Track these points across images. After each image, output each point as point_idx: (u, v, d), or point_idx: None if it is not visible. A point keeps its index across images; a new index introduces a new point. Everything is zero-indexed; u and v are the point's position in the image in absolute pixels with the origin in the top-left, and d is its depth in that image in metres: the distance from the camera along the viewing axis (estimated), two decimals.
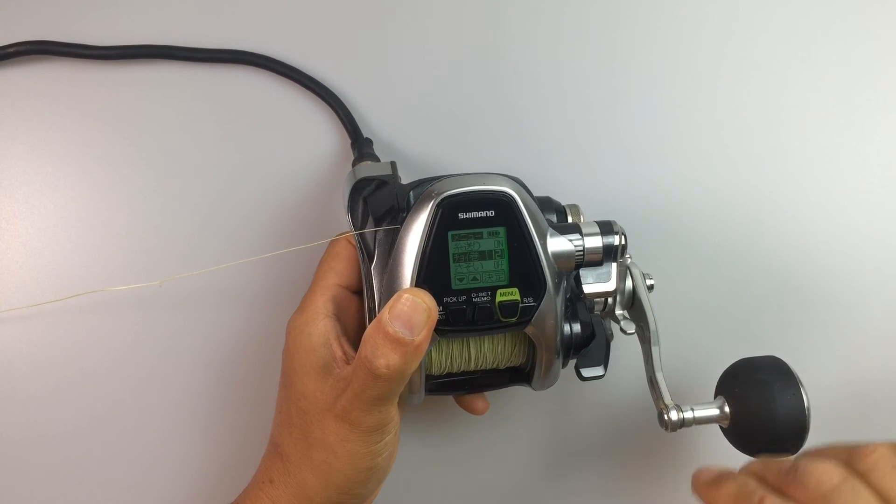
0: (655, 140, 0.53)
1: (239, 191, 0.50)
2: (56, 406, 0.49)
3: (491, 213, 0.39)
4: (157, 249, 0.49)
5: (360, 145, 0.48)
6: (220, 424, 0.50)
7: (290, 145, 0.51)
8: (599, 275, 0.42)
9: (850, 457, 0.35)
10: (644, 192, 0.52)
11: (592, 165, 0.52)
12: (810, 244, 0.54)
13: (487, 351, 0.42)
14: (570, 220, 0.44)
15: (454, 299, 0.39)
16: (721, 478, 0.38)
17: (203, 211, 0.50)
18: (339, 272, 0.42)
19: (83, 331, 0.49)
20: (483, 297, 0.39)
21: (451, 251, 0.39)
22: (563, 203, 0.44)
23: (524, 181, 0.42)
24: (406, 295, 0.37)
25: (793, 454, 0.41)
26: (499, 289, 0.39)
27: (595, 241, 0.41)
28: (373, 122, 0.51)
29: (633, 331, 0.44)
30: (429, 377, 0.43)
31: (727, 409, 0.41)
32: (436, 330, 0.38)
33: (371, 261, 0.40)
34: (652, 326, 0.43)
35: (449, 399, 0.48)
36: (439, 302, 0.38)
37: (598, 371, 0.43)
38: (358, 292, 0.43)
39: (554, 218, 0.43)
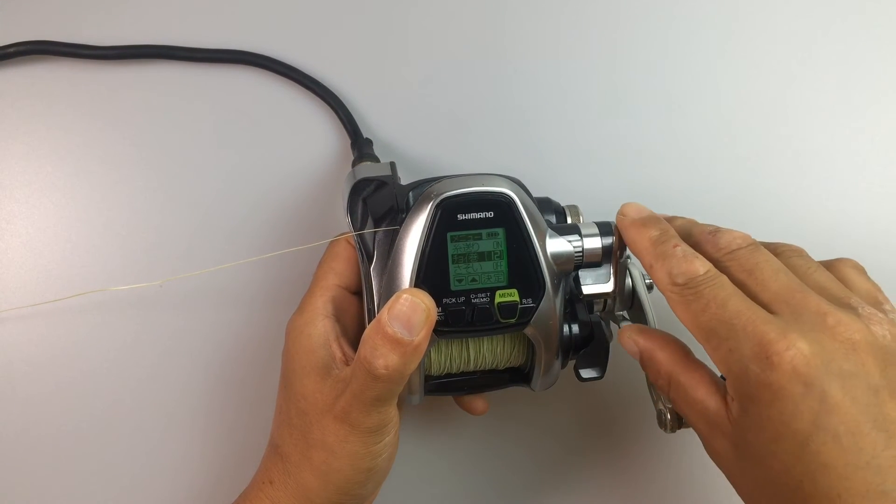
0: (655, 140, 0.53)
1: (239, 191, 0.50)
2: (56, 406, 0.49)
3: (490, 214, 0.39)
4: (157, 249, 0.49)
5: (360, 145, 0.48)
6: (220, 424, 0.50)
7: (290, 145, 0.51)
8: (598, 276, 0.42)
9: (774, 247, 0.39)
10: (644, 193, 0.52)
11: (592, 165, 0.52)
12: (810, 244, 0.53)
13: (487, 352, 0.42)
14: (569, 220, 0.44)
15: (453, 300, 0.39)
16: (648, 221, 0.39)
17: (203, 211, 0.50)
18: (339, 273, 0.42)
19: (83, 331, 0.49)
20: (482, 298, 0.39)
21: (450, 252, 0.39)
22: (563, 204, 0.44)
23: (524, 181, 0.42)
24: (405, 295, 0.37)
25: None
26: (498, 290, 0.39)
27: (594, 242, 0.41)
28: (373, 122, 0.51)
29: None
30: (428, 378, 0.43)
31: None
32: (435, 331, 0.38)
33: (370, 261, 0.40)
34: (652, 327, 0.43)
35: (448, 399, 0.48)
36: (438, 303, 0.38)
37: (597, 372, 0.43)
38: (357, 293, 0.43)
39: (553, 219, 0.43)
